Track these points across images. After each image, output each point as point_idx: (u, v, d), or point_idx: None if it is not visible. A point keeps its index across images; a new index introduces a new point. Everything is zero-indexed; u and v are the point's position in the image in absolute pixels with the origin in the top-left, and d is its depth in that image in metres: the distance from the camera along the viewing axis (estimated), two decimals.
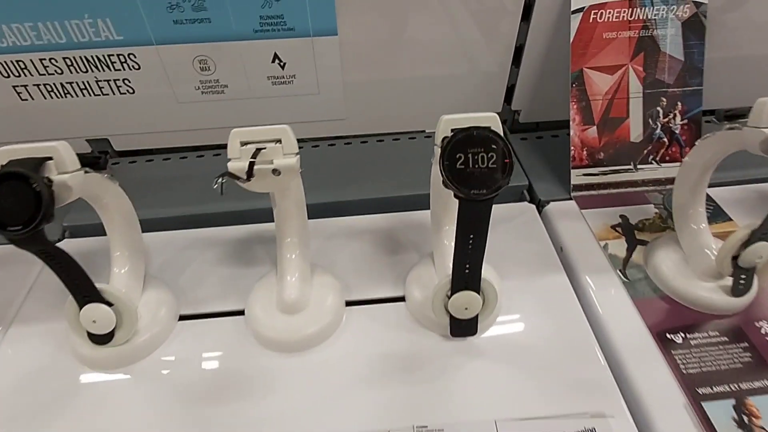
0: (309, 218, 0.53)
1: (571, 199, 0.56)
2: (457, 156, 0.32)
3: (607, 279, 0.47)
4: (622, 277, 0.47)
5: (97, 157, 0.38)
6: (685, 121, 0.56)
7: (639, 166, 0.56)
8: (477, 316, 0.40)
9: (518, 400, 0.39)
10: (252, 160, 0.33)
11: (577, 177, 0.56)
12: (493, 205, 0.55)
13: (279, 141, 0.34)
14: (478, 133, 0.32)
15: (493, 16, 0.55)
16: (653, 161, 0.57)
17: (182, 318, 0.45)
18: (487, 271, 0.45)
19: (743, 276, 0.43)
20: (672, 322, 0.44)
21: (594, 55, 0.54)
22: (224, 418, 0.38)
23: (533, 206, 0.56)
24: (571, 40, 0.53)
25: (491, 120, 0.34)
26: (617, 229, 0.52)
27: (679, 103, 0.56)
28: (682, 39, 0.54)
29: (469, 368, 0.41)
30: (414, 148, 0.66)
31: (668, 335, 0.43)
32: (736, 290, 0.43)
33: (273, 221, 0.43)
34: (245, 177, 0.33)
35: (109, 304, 0.39)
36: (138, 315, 0.41)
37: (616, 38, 0.54)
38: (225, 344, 0.43)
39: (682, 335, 0.43)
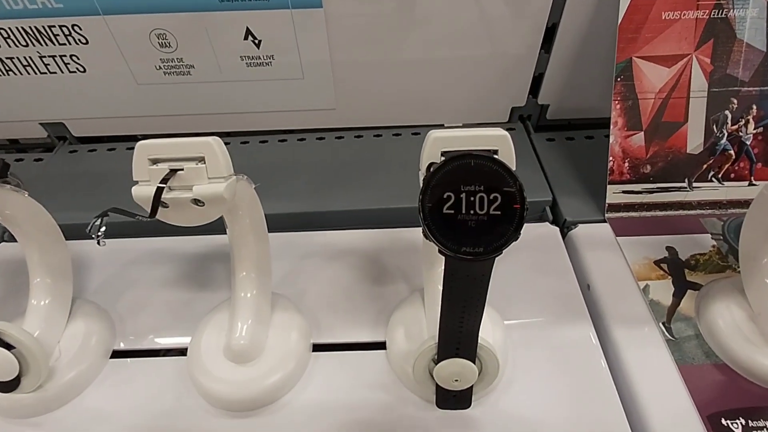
0: (282, 230, 0.45)
1: (605, 221, 0.46)
2: (445, 196, 0.22)
3: (646, 335, 0.37)
4: (666, 333, 0.37)
5: None
6: (760, 129, 0.44)
7: (695, 184, 0.45)
8: (471, 387, 0.31)
9: None
10: (160, 185, 0.24)
11: (614, 194, 0.45)
12: None
13: (202, 160, 0.25)
14: (477, 163, 0.22)
15: None
16: (714, 178, 0.45)
17: (115, 354, 0.38)
18: (488, 317, 0.36)
19: None
20: (730, 402, 0.34)
21: (648, 41, 0.42)
22: None
23: (557, 229, 0.45)
24: (619, 21, 0.42)
25: (500, 141, 0.24)
26: (662, 265, 0.42)
27: (754, 107, 0.44)
28: (766, 23, 0.42)
29: None
30: (416, 146, 0.55)
31: (724, 421, 0.33)
32: None
33: None
34: (148, 212, 0.24)
35: (10, 347, 0.31)
36: (50, 355, 0.34)
37: (678, 20, 0.42)
38: (161, 395, 0.35)
39: (743, 422, 0.33)
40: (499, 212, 0.22)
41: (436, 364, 0.30)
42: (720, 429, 0.32)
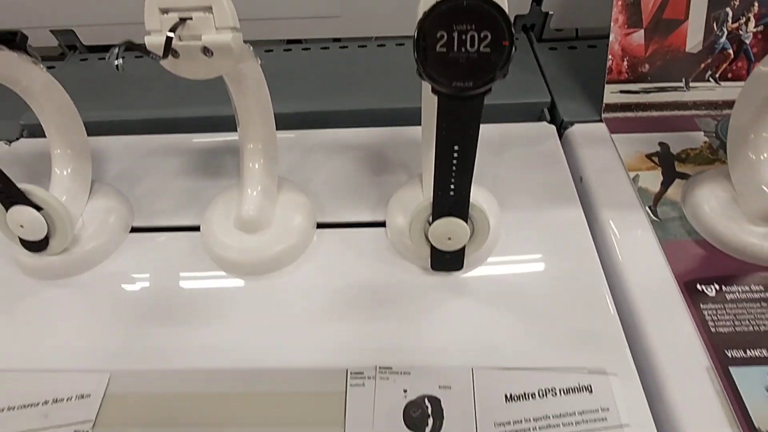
0: (289, 128, 0.46)
1: (601, 121, 0.47)
2: (438, 35, 0.24)
3: (631, 216, 0.39)
4: (651, 215, 0.39)
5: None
6: (761, 27, 0.44)
7: (692, 84, 0.46)
8: (463, 248, 0.34)
9: (503, 348, 0.33)
10: (170, 33, 0.25)
11: (612, 94, 0.46)
12: (505, 125, 0.48)
13: (209, 10, 0.26)
14: (469, 3, 0.23)
15: None
16: (711, 78, 0.46)
17: (134, 230, 0.40)
18: (482, 197, 0.38)
19: None
20: (706, 271, 0.36)
21: None
22: (167, 340, 0.34)
23: (553, 128, 0.47)
24: None
25: None
26: (653, 158, 0.43)
27: (755, 4, 0.44)
28: None
29: (450, 308, 0.35)
30: None
31: (699, 286, 0.35)
32: None
33: None
34: (160, 54, 0.25)
35: (39, 208, 0.34)
36: (75, 222, 0.36)
37: None
38: (177, 261, 0.38)
39: (717, 287, 0.35)
40: (488, 49, 0.24)
41: (431, 224, 0.33)
42: (695, 292, 0.35)
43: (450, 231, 0.32)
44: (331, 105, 0.49)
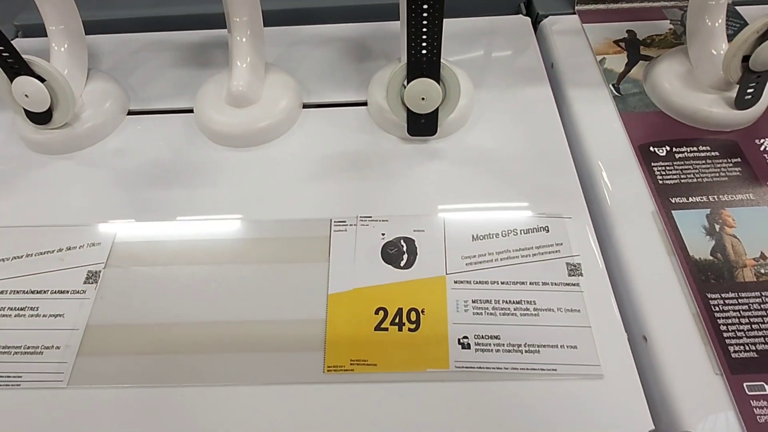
0: (275, 25, 0.48)
1: (574, 13, 0.49)
2: None
3: (595, 92, 0.42)
4: (614, 91, 0.42)
5: None
6: None
7: None
8: (437, 111, 0.37)
9: (473, 200, 0.36)
10: None
11: None
12: (483, 18, 0.50)
13: None
14: None
15: None
16: None
17: (131, 113, 0.43)
18: (457, 71, 0.40)
19: (753, 84, 0.37)
20: (660, 135, 0.39)
21: None
22: (166, 201, 0.37)
23: (528, 19, 0.49)
24: None
25: None
26: (620, 43, 0.46)
27: None
28: None
29: (425, 168, 0.38)
30: None
31: (652, 148, 0.38)
32: (741, 101, 0.38)
33: None
34: None
35: (42, 80, 0.36)
36: (76, 97, 0.38)
37: None
38: (173, 138, 0.41)
39: (668, 148, 0.38)
40: None
41: (406, 87, 0.35)
42: (647, 153, 0.38)
43: (424, 91, 0.35)
44: (315, 2, 0.50)
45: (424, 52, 0.33)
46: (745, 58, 0.36)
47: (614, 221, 0.35)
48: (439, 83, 0.35)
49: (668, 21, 0.47)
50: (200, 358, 0.30)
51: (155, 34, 0.49)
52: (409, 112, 0.37)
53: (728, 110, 0.38)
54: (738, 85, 0.37)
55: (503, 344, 0.30)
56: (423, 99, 0.35)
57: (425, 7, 0.31)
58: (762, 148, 0.38)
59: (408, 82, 0.35)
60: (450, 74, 0.35)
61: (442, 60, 0.34)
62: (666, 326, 0.31)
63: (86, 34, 0.43)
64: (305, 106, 0.43)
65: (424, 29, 0.32)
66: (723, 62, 0.36)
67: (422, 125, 0.37)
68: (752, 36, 0.34)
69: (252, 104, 0.39)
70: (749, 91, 0.37)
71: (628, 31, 0.46)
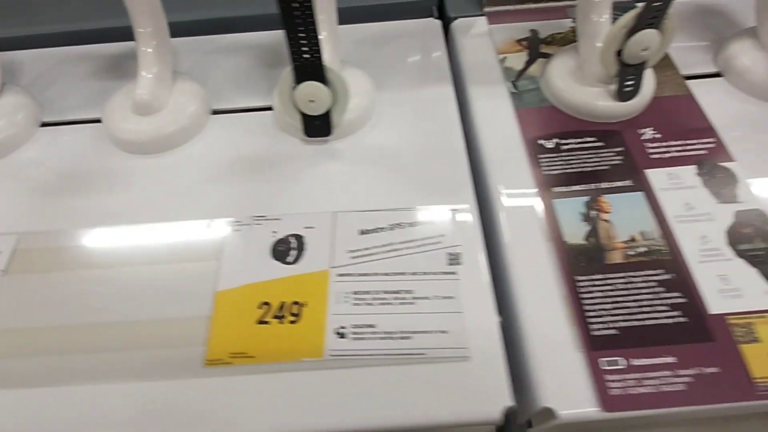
0: (188, 35, 0.49)
1: (483, 15, 0.51)
2: None
3: (494, 90, 0.44)
4: (512, 88, 0.44)
5: None
6: None
7: None
8: (328, 113, 0.38)
9: (365, 194, 0.38)
10: None
11: None
12: (395, 22, 0.51)
13: None
14: None
15: None
16: None
17: (45, 125, 0.44)
18: (354, 75, 0.42)
19: (631, 76, 0.39)
20: (549, 129, 0.41)
21: None
22: (72, 208, 0.38)
23: (438, 22, 0.50)
24: None
25: None
26: (522, 42, 0.47)
27: None
28: None
29: (323, 168, 0.39)
30: None
31: (540, 141, 0.40)
32: (622, 93, 0.39)
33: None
34: None
35: None
36: None
37: None
38: (83, 148, 0.42)
39: (556, 141, 0.40)
40: None
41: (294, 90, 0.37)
42: (536, 146, 0.40)
43: (311, 93, 0.36)
44: (229, 11, 0.51)
45: (306, 56, 0.35)
46: (621, 52, 0.38)
47: (498, 212, 0.36)
48: (326, 85, 0.36)
49: (570, 20, 0.49)
50: (85, 359, 0.31)
51: (73, 48, 0.50)
52: (303, 114, 0.38)
53: (612, 102, 0.40)
54: (617, 78, 0.39)
55: (379, 332, 0.31)
56: (312, 101, 0.37)
57: (296, 13, 0.32)
58: (642, 137, 0.40)
59: (295, 85, 0.36)
60: (336, 76, 0.36)
61: (331, 63, 0.36)
62: (536, 309, 0.32)
63: (4, 50, 0.44)
64: (215, 112, 0.44)
65: (301, 34, 0.33)
66: (600, 59, 0.38)
67: (317, 127, 0.39)
68: (621, 31, 0.36)
69: (157, 112, 0.41)
70: (628, 83, 0.39)
71: (531, 31, 0.48)
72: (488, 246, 0.35)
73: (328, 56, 0.36)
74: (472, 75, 0.45)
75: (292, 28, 0.33)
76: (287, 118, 0.39)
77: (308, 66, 0.35)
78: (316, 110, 0.37)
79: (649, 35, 0.36)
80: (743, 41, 0.43)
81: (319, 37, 0.34)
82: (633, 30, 0.36)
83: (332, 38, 0.41)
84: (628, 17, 0.36)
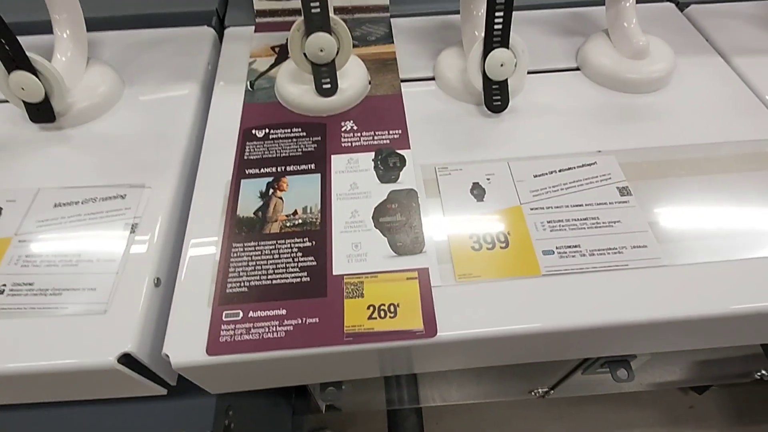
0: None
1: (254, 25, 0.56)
2: None
3: (233, 87, 0.49)
4: (249, 87, 0.49)
5: None
6: None
7: None
8: (48, 101, 0.42)
9: (79, 179, 0.41)
10: None
11: (260, 2, 0.56)
12: (172, 29, 0.56)
13: None
14: None
15: None
16: None
17: None
18: (100, 72, 0.46)
19: (325, 76, 0.44)
20: (265, 120, 0.46)
21: None
22: None
23: (210, 30, 0.55)
24: None
25: None
26: (275, 49, 0.53)
27: None
28: None
29: (52, 153, 0.43)
30: None
31: (254, 131, 0.45)
32: (321, 91, 0.44)
33: None
34: None
35: None
36: None
37: None
38: None
39: (266, 131, 0.45)
40: None
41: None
42: (249, 134, 0.44)
43: (21, 82, 0.40)
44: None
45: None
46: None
47: (197, 190, 0.41)
48: (37, 77, 0.40)
49: None
50: None
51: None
52: (24, 102, 0.42)
53: (318, 98, 0.45)
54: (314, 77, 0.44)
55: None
56: (23, 89, 0.41)
57: None
58: (342, 129, 0.45)
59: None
60: (44, 67, 0.40)
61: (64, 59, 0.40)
62: (192, 270, 0.36)
63: None
64: None
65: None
66: (292, 58, 0.44)
67: (38, 113, 0.43)
68: (297, 34, 0.42)
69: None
70: (325, 81, 0.44)
71: (287, 39, 0.54)
72: (182, 220, 0.39)
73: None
74: (222, 75, 0.50)
75: None
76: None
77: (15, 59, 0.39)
78: (29, 98, 0.41)
79: (321, 38, 0.41)
80: (450, 51, 0.50)
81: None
82: (307, 33, 0.41)
83: (77, 39, 0.45)
84: (300, 21, 0.41)
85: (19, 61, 0.40)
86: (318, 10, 0.40)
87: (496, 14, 0.41)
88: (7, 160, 0.42)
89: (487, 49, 0.42)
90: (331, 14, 0.41)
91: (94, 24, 0.52)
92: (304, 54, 0.43)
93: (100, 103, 0.46)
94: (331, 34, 0.42)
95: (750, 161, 0.42)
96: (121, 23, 0.55)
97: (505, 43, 0.42)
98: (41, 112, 0.43)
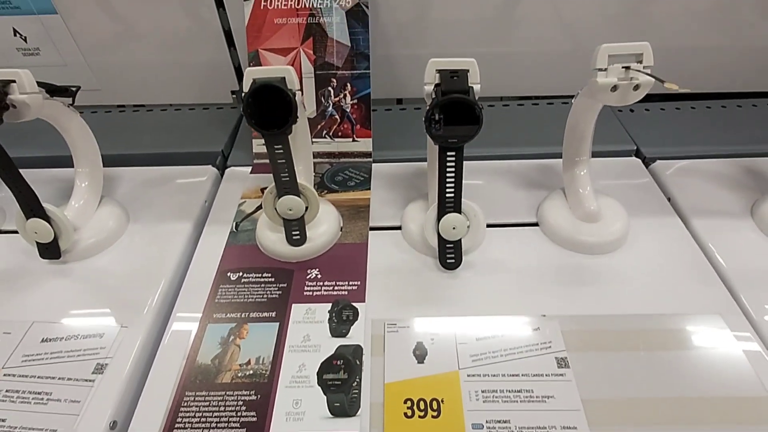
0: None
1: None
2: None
3: (220, 228, 0.54)
4: (234, 228, 0.54)
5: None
6: (355, 101, 0.62)
7: (314, 140, 0.63)
8: (56, 241, 0.49)
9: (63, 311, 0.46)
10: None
11: (258, 146, 0.63)
12: (176, 167, 0.64)
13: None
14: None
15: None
16: (327, 136, 0.63)
17: None
18: (111, 212, 0.53)
19: (295, 228, 0.49)
20: (242, 264, 0.50)
21: (267, 38, 0.61)
22: None
23: (212, 168, 0.63)
24: (246, 24, 0.60)
25: None
26: (263, 190, 0.59)
27: (348, 85, 0.62)
28: (347, 26, 0.60)
29: (53, 284, 0.49)
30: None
31: (228, 273, 0.49)
32: (291, 240, 0.49)
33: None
34: None
35: None
36: None
37: (286, 24, 0.60)
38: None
39: (240, 274, 0.49)
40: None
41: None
42: (223, 278, 0.49)
43: (35, 227, 0.47)
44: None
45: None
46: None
47: (167, 332, 0.45)
48: (48, 223, 0.47)
49: (314, 174, 0.61)
50: None
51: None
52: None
53: (287, 246, 0.50)
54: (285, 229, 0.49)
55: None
56: (35, 233, 0.48)
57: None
58: (307, 276, 0.49)
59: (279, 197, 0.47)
60: (54, 215, 0.47)
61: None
62: (143, 417, 0.39)
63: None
64: None
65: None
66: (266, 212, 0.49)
67: (47, 251, 0.49)
68: (269, 196, 0.47)
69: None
70: (294, 233, 0.49)
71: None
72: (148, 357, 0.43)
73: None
74: (214, 215, 0.57)
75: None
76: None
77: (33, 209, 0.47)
78: (40, 239, 0.48)
79: (290, 200, 0.47)
80: (416, 205, 0.54)
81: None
82: (278, 195, 0.47)
83: (93, 188, 0.53)
84: (273, 186, 0.47)
85: (35, 210, 0.47)
86: (287, 178, 0.46)
87: (447, 183, 0.46)
88: (14, 291, 0.49)
89: (441, 213, 0.47)
90: (299, 180, 0.47)
91: (115, 160, 0.61)
92: (276, 209, 0.48)
93: (103, 240, 0.52)
94: (299, 196, 0.47)
95: (689, 338, 0.42)
96: (138, 160, 0.64)
97: (457, 209, 0.46)
98: (49, 251, 0.49)
